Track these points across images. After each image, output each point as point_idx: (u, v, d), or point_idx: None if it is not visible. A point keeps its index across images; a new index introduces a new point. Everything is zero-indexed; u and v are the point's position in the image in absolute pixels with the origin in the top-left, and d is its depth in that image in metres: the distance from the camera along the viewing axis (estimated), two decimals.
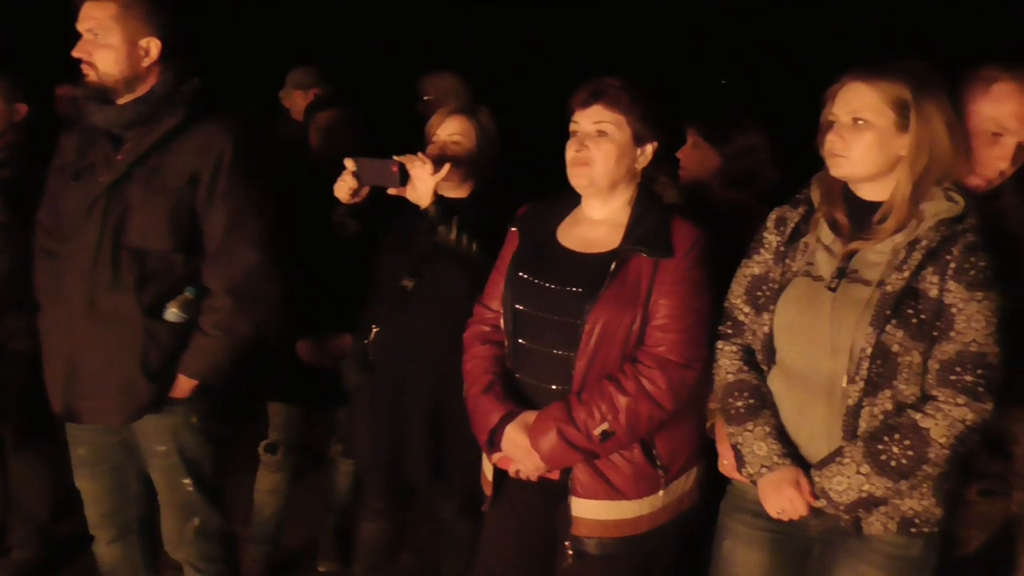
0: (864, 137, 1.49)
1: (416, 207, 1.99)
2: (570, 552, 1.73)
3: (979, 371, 1.42)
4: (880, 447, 1.45)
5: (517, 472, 1.76)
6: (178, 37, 1.90)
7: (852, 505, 1.49)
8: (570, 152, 1.73)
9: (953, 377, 1.44)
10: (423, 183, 1.94)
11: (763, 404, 1.60)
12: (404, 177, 1.95)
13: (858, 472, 1.46)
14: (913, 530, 1.51)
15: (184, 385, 1.93)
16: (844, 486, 1.48)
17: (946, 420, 1.43)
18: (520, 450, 1.71)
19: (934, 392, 1.45)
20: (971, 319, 1.43)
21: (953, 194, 1.49)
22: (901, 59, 1.50)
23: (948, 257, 1.44)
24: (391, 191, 1.99)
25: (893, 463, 1.44)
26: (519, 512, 1.84)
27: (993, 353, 1.43)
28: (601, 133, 1.70)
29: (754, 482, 1.60)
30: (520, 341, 1.76)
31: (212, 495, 2.06)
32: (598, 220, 1.78)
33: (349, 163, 1.99)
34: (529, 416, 1.71)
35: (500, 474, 1.83)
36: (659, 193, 2.81)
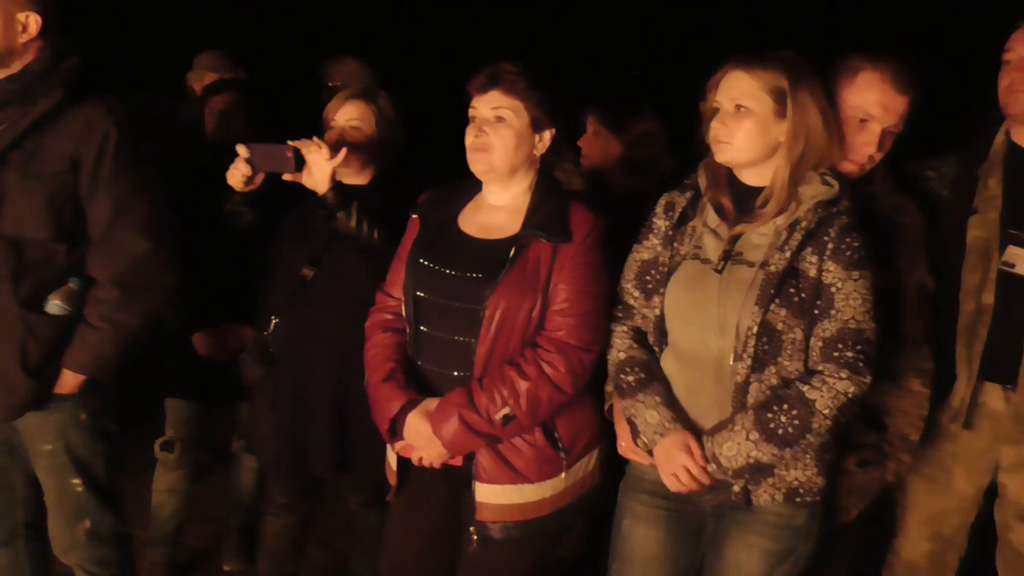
0: (745, 124, 1.55)
1: (315, 193, 1.95)
2: (475, 537, 1.73)
3: (859, 347, 1.50)
4: (769, 416, 1.51)
5: (420, 460, 1.75)
6: (60, 13, 1.80)
7: (740, 471, 1.54)
8: (469, 138, 1.73)
9: (836, 353, 1.51)
10: (320, 168, 1.89)
11: (653, 377, 1.64)
12: (300, 163, 1.90)
13: (747, 439, 1.51)
14: (798, 500, 1.58)
15: (69, 380, 1.83)
16: (734, 451, 1.53)
17: (830, 392, 1.50)
18: (422, 438, 1.70)
19: (819, 367, 1.52)
20: (849, 297, 1.50)
21: (828, 178, 1.56)
22: (777, 50, 1.55)
23: (825, 238, 1.51)
24: (286, 177, 1.93)
25: (780, 431, 1.50)
26: (424, 500, 1.83)
27: (870, 329, 1.51)
28: (499, 119, 1.70)
29: (650, 452, 1.63)
30: (421, 328, 1.75)
31: (104, 496, 1.97)
32: (498, 206, 1.78)
33: (241, 149, 1.92)
34: (431, 403, 1.71)
35: (404, 463, 1.81)
36: (565, 180, 2.85)
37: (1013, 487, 1.90)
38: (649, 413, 1.62)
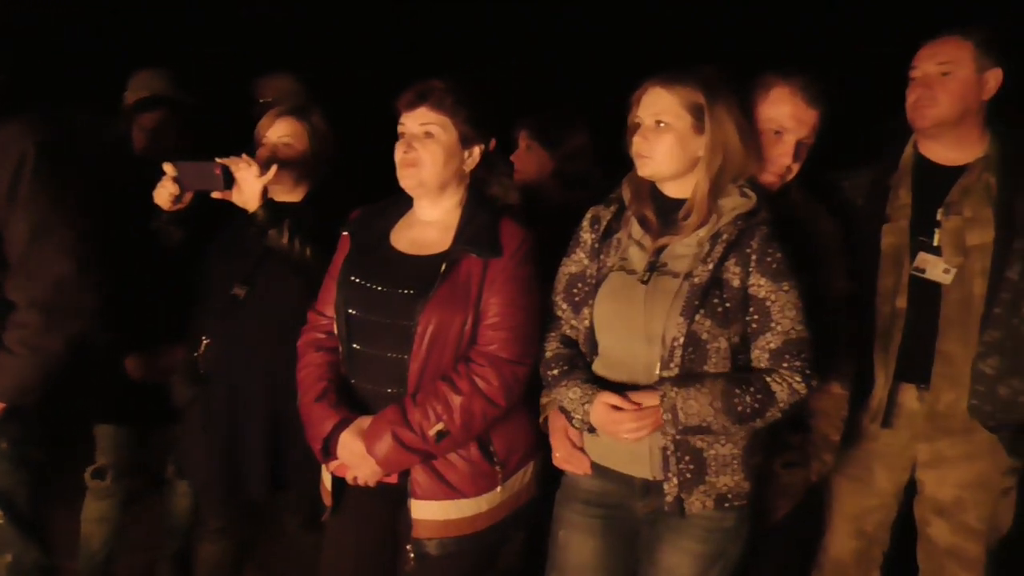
0: (665, 139, 1.60)
1: (245, 211, 1.93)
2: (411, 555, 1.73)
3: (803, 355, 1.56)
4: (737, 391, 1.54)
5: (355, 479, 1.74)
6: None
7: (687, 429, 1.56)
8: (398, 154, 1.74)
9: (784, 364, 1.56)
10: (249, 186, 1.88)
11: (576, 367, 1.67)
12: (229, 180, 1.88)
13: (711, 405, 1.54)
14: (727, 505, 1.62)
15: None
16: (694, 410, 1.54)
17: (788, 389, 1.55)
18: (356, 456, 1.69)
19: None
20: (784, 308, 1.55)
21: (746, 190, 1.61)
22: (695, 65, 1.61)
23: (748, 250, 1.56)
24: (215, 195, 1.91)
25: (740, 409, 1.54)
26: (360, 520, 1.82)
27: (808, 336, 1.57)
28: (428, 135, 1.71)
29: (589, 430, 1.64)
30: (354, 346, 1.74)
31: (27, 527, 1.91)
32: (429, 222, 1.79)
33: (168, 167, 1.89)
34: (364, 421, 1.70)
35: (339, 482, 1.80)
36: (502, 194, 2.87)
37: (930, 483, 1.98)
38: (572, 391, 1.64)
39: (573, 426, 1.68)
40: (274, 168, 1.90)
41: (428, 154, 1.71)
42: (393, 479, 1.73)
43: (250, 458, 2.05)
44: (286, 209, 1.97)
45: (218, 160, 1.88)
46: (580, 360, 1.69)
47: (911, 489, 2.03)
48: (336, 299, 1.77)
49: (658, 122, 1.60)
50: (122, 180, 2.26)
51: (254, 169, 1.87)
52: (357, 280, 1.75)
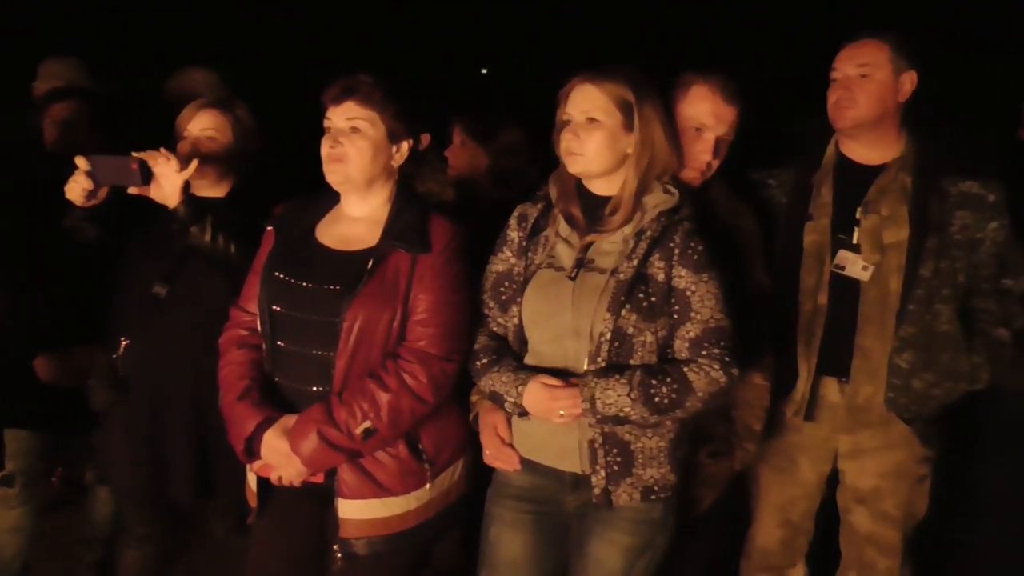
0: (596, 136, 1.60)
1: (165, 207, 1.86)
2: (339, 555, 1.70)
3: (722, 343, 1.57)
4: (653, 382, 1.55)
5: (280, 479, 1.70)
6: None
7: (605, 419, 1.57)
8: (324, 149, 1.70)
9: (703, 352, 1.57)
10: (169, 181, 1.81)
11: (504, 355, 1.68)
12: (146, 175, 1.82)
13: (628, 395, 1.55)
14: (653, 497, 1.64)
15: None
16: (612, 400, 1.55)
17: (707, 378, 1.56)
18: (280, 456, 1.65)
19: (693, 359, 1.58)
20: (704, 298, 1.57)
21: (669, 187, 1.64)
22: (621, 64, 1.62)
23: (671, 244, 1.58)
24: (132, 190, 1.84)
25: (657, 399, 1.55)
26: (286, 521, 1.78)
27: (729, 324, 1.59)
28: (354, 129, 1.68)
29: (521, 414, 1.64)
30: (278, 343, 1.70)
31: None
32: (357, 217, 1.76)
33: (81, 162, 1.81)
34: (288, 420, 1.67)
35: (264, 483, 1.76)
36: (438, 191, 2.85)
37: (851, 473, 2.04)
38: (504, 376, 1.64)
39: (504, 410, 1.66)
40: (195, 163, 1.85)
41: (355, 149, 1.68)
42: (319, 478, 1.70)
43: (175, 463, 1.99)
44: (209, 205, 1.92)
45: (135, 155, 1.81)
46: (508, 350, 1.69)
47: (833, 479, 2.09)
48: (259, 295, 1.72)
49: (589, 119, 1.61)
50: (32, 175, 2.16)
51: (173, 164, 1.81)
52: (281, 276, 1.71)
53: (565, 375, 1.61)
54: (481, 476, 1.83)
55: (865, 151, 1.93)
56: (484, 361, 1.69)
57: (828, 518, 2.13)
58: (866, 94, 1.84)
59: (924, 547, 2.11)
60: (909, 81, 1.86)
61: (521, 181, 2.45)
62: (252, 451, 1.68)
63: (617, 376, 1.56)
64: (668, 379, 1.56)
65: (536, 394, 1.60)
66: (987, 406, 2.24)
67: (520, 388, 1.61)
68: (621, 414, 1.56)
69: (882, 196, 1.89)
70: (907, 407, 1.91)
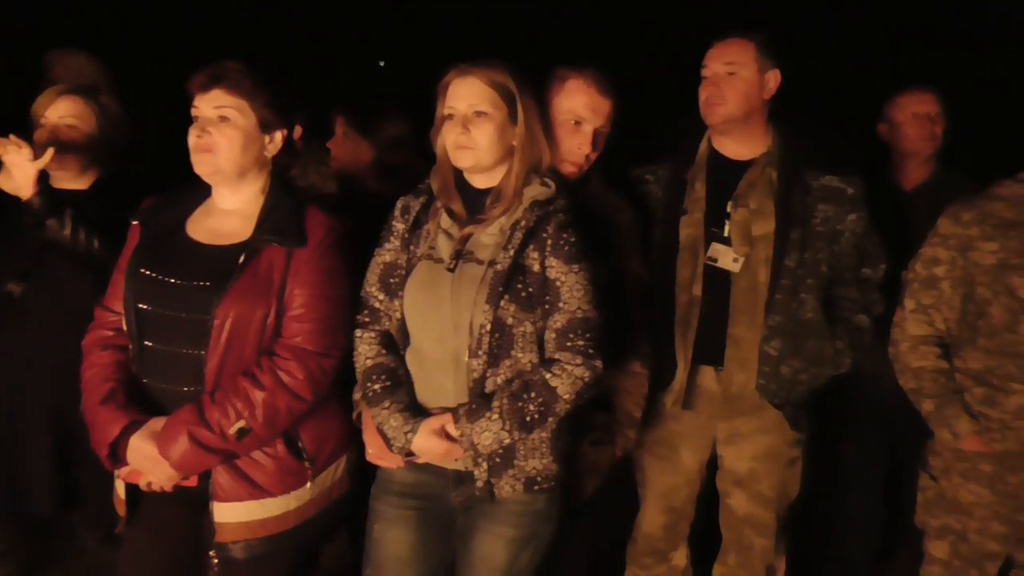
0: (486, 128, 1.60)
1: (19, 199, 1.75)
2: (215, 561, 1.64)
3: (588, 335, 1.59)
4: (520, 404, 1.57)
5: (149, 485, 1.63)
6: None
7: (491, 455, 1.60)
8: (191, 138, 1.64)
9: (568, 343, 1.59)
10: (21, 171, 1.70)
11: (399, 383, 1.66)
12: None
13: (503, 429, 1.56)
14: (536, 488, 1.66)
15: None
16: (489, 440, 1.57)
17: (569, 379, 1.58)
18: (148, 460, 1.58)
19: (556, 356, 1.59)
20: (572, 289, 1.59)
21: (547, 179, 1.65)
22: (492, 58, 1.63)
23: (544, 235, 1.60)
24: None
25: (528, 418, 1.57)
26: (158, 528, 1.70)
27: (596, 316, 1.61)
28: (223, 119, 1.62)
29: (408, 454, 1.63)
30: (146, 343, 1.63)
31: None
32: (229, 210, 1.70)
33: None
34: (157, 423, 1.60)
35: (133, 490, 1.68)
36: (320, 184, 2.77)
37: (728, 457, 2.13)
38: (394, 418, 1.62)
39: (392, 451, 1.65)
40: (50, 152, 1.74)
41: (224, 139, 1.62)
42: (192, 482, 1.63)
43: (35, 473, 1.88)
44: (69, 198, 1.81)
45: None
46: (403, 373, 1.67)
47: (713, 464, 2.17)
48: (124, 293, 1.64)
49: (477, 112, 1.60)
50: None
51: (26, 152, 1.70)
52: (148, 272, 1.63)
53: (446, 370, 1.61)
54: (367, 474, 1.81)
55: (735, 147, 2.01)
56: (377, 388, 1.65)
57: (709, 502, 2.22)
58: (734, 91, 1.92)
59: (796, 525, 2.22)
60: (773, 79, 1.95)
61: (407, 174, 2.42)
62: (117, 456, 1.60)
63: (487, 414, 1.57)
64: (533, 394, 1.57)
65: (426, 442, 1.60)
66: (847, 388, 2.39)
67: (409, 436, 1.61)
68: (503, 445, 1.59)
69: (750, 190, 1.97)
70: (777, 393, 1.99)
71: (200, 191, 1.72)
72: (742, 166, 2.00)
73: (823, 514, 2.68)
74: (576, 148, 1.78)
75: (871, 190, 2.07)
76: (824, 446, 2.42)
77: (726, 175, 2.00)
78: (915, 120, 2.42)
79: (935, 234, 1.95)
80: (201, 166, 1.63)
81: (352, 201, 2.35)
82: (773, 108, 1.98)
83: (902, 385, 2.01)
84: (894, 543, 2.66)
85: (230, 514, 1.63)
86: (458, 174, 1.67)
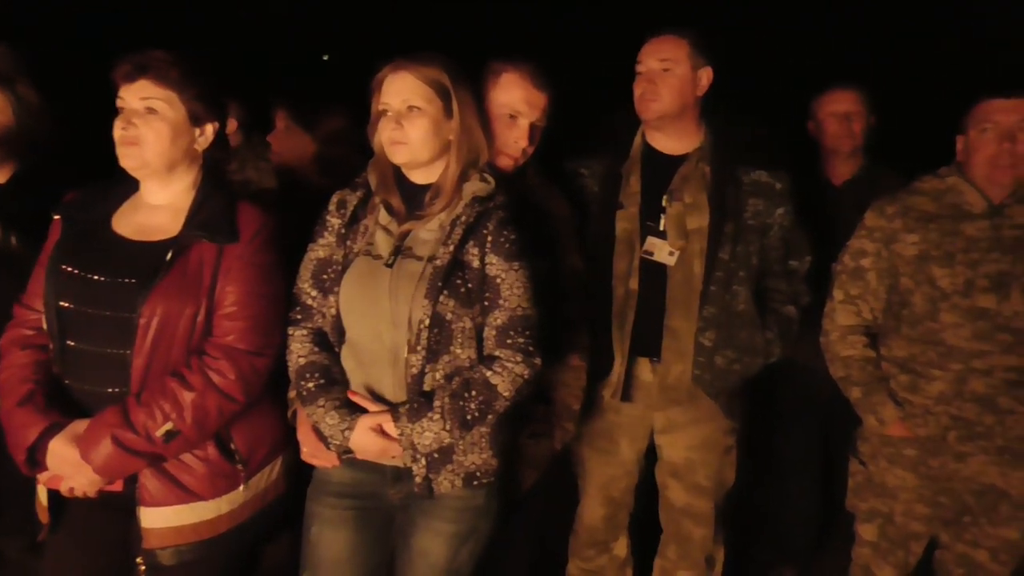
0: (420, 124, 1.58)
1: None
2: (142, 568, 1.59)
3: (527, 332, 1.59)
4: (461, 403, 1.56)
5: (71, 490, 1.57)
6: None
7: (431, 452, 1.59)
8: (117, 131, 1.58)
9: (509, 340, 1.59)
10: None
11: (333, 381, 1.63)
12: None
13: (443, 428, 1.55)
14: (475, 483, 1.65)
15: None
16: (429, 440, 1.56)
17: (510, 376, 1.57)
18: (69, 465, 1.52)
19: (496, 353, 1.59)
20: (513, 287, 1.59)
21: (486, 175, 1.65)
22: (428, 52, 1.61)
23: (485, 231, 1.59)
24: None
25: (469, 416, 1.56)
26: (82, 536, 1.64)
27: (535, 314, 1.61)
28: (150, 110, 1.57)
29: (346, 451, 1.61)
30: (68, 343, 1.57)
31: None
32: (158, 205, 1.65)
33: None
34: (79, 426, 1.54)
35: (55, 496, 1.61)
36: (257, 178, 2.71)
37: (666, 448, 2.16)
38: (330, 415, 1.60)
39: (329, 449, 1.63)
40: None
41: (151, 132, 1.57)
42: (117, 487, 1.58)
43: None
44: None
45: None
46: (337, 371, 1.64)
47: (651, 455, 2.20)
48: (45, 290, 1.57)
49: (411, 107, 1.59)
50: None
51: None
52: (69, 269, 1.57)
53: (384, 366, 1.59)
54: (306, 475, 1.77)
55: (669, 142, 2.04)
56: (311, 386, 1.62)
57: (650, 496, 2.24)
58: (668, 87, 1.94)
59: (734, 515, 2.26)
60: (706, 76, 1.98)
61: (349, 169, 2.38)
62: (36, 461, 1.54)
63: (428, 414, 1.56)
64: (473, 392, 1.57)
65: (363, 439, 1.58)
66: (781, 379, 2.45)
67: (347, 433, 1.58)
68: (444, 445, 1.58)
69: (684, 184, 2.00)
70: (712, 383, 2.03)
71: (127, 185, 1.66)
72: (676, 161, 2.03)
73: (761, 503, 2.75)
74: (512, 142, 1.78)
75: (803, 185, 2.12)
76: (761, 437, 2.48)
77: (660, 170, 2.03)
78: (833, 118, 2.51)
79: (862, 227, 2.01)
80: (127, 159, 1.58)
81: (293, 196, 2.31)
82: (705, 104, 2.02)
83: (832, 374, 2.07)
84: (830, 529, 2.74)
85: (158, 519, 1.58)
86: (397, 169, 1.65)
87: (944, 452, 1.93)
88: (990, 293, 1.84)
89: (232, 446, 1.64)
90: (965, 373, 1.87)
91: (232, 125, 2.97)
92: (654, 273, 2.01)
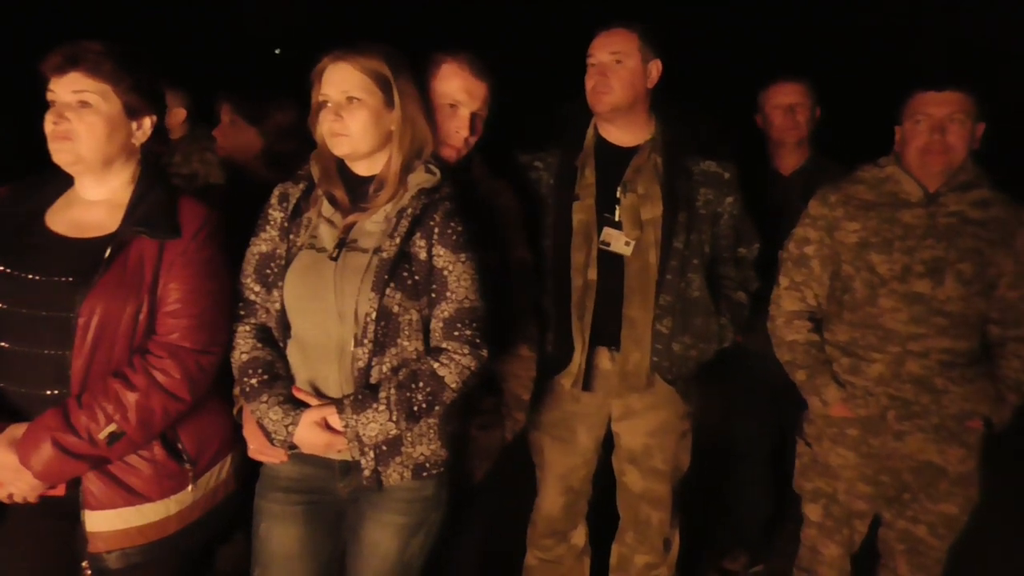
0: (360, 115, 1.56)
1: None
2: (89, 572, 1.55)
3: (474, 324, 1.58)
4: (407, 395, 1.54)
5: (11, 496, 1.52)
6: None
7: (377, 444, 1.58)
8: (48, 125, 1.52)
9: (456, 332, 1.58)
10: None
11: (276, 377, 1.61)
12: None
13: (389, 420, 1.54)
14: (425, 474, 1.64)
15: None
16: (375, 431, 1.55)
17: (457, 368, 1.57)
18: (7, 470, 1.48)
19: (444, 345, 1.58)
20: (460, 279, 1.58)
21: (431, 166, 1.63)
22: (370, 42, 1.59)
23: (431, 223, 1.58)
24: None
25: (415, 408, 1.55)
26: (26, 542, 1.59)
27: (482, 306, 1.60)
28: (83, 104, 1.52)
29: (291, 446, 1.59)
30: (2, 344, 1.51)
31: None
32: (94, 201, 1.60)
33: None
34: (16, 430, 1.49)
35: None
36: (203, 172, 2.65)
37: (624, 434, 2.18)
38: (273, 411, 1.58)
39: (273, 444, 1.61)
40: None
41: (85, 126, 1.52)
42: (60, 491, 1.53)
43: None
44: None
45: None
46: (281, 366, 1.62)
47: (608, 443, 2.22)
48: None
49: (350, 98, 1.56)
50: None
51: None
52: (2, 268, 1.51)
53: (330, 360, 1.57)
54: (255, 472, 1.75)
55: (621, 134, 2.04)
56: (254, 382, 1.60)
57: (608, 483, 2.26)
58: (619, 80, 1.95)
59: (689, 500, 2.30)
60: (656, 69, 1.99)
61: (297, 163, 2.35)
62: None
63: (374, 405, 1.54)
64: (420, 383, 1.56)
65: (307, 434, 1.56)
66: (734, 366, 2.49)
67: (290, 428, 1.56)
68: (389, 436, 1.57)
69: (638, 176, 2.01)
70: (669, 369, 2.05)
71: (61, 180, 1.61)
72: (629, 152, 2.04)
73: (715, 487, 2.79)
74: (454, 132, 1.77)
75: (753, 175, 2.15)
76: (715, 421, 2.52)
77: (614, 161, 2.03)
78: (777, 110, 2.55)
79: (806, 215, 2.05)
80: (60, 155, 1.53)
81: (240, 190, 2.26)
82: (655, 97, 2.03)
83: (779, 357, 2.12)
84: (785, 513, 2.80)
85: (103, 522, 1.54)
86: (340, 161, 1.63)
87: (884, 431, 1.99)
88: (926, 278, 1.90)
89: (179, 445, 1.60)
90: (903, 355, 1.92)
91: (181, 115, 2.91)
92: (611, 263, 2.02)
